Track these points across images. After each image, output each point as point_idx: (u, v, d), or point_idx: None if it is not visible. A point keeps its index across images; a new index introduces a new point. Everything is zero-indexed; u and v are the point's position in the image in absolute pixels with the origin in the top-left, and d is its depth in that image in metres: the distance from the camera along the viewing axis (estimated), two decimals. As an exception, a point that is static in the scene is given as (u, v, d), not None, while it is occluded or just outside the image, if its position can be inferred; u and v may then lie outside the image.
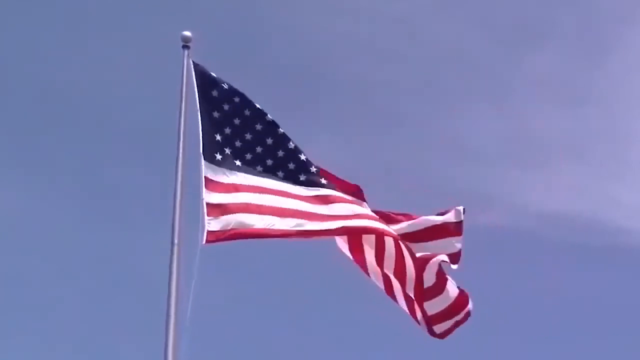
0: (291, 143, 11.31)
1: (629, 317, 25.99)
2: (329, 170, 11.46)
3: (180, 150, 10.54)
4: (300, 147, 11.38)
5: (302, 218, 10.74)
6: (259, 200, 10.69)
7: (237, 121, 11.21)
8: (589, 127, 27.99)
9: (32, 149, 26.21)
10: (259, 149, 11.18)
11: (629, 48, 27.48)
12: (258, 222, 10.50)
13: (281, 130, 11.36)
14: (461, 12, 28.01)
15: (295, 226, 10.68)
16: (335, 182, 11.36)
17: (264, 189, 10.83)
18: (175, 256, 9.80)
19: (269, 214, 10.58)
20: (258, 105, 11.38)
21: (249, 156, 11.07)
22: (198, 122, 10.86)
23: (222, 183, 10.65)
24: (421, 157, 27.10)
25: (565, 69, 28.48)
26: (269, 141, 11.28)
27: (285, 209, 10.74)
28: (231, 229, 10.32)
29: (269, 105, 11.63)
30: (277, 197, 10.81)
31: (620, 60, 27.84)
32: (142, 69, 24.85)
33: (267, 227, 10.52)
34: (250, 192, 10.73)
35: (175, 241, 9.88)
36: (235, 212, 10.42)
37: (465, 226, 11.70)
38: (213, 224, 10.25)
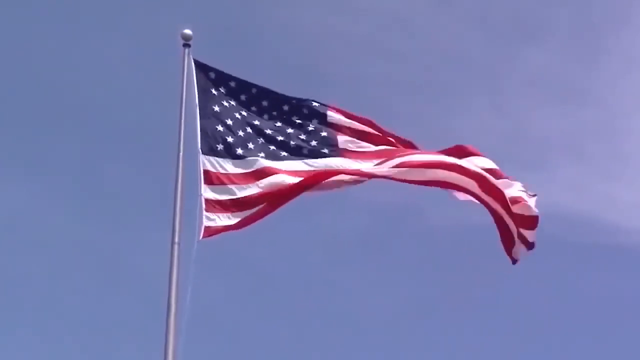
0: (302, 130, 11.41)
1: (627, 316, 26.04)
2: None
3: (181, 150, 10.55)
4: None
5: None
6: (257, 190, 10.61)
7: (238, 115, 11.26)
8: (586, 125, 28.01)
9: (31, 147, 26.22)
10: (260, 140, 11.21)
11: (626, 46, 27.55)
12: (253, 210, 10.48)
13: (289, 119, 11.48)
14: (458, 9, 28.07)
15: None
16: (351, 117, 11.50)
17: (261, 173, 10.74)
18: (175, 255, 9.83)
19: (265, 201, 10.53)
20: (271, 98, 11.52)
21: (251, 145, 11.13)
22: (196, 117, 10.91)
23: (222, 174, 10.67)
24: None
25: (563, 66, 28.51)
26: (270, 132, 11.34)
27: (283, 187, 10.63)
28: (230, 225, 10.34)
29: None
30: (277, 178, 10.72)
31: (617, 58, 27.90)
32: (142, 67, 24.87)
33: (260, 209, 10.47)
34: (251, 182, 10.67)
35: (176, 240, 9.92)
36: (234, 211, 10.44)
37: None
38: (211, 220, 10.28)
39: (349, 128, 11.47)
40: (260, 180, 10.67)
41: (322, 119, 11.49)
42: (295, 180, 10.66)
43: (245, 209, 10.49)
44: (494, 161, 11.36)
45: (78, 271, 24.41)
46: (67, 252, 24.79)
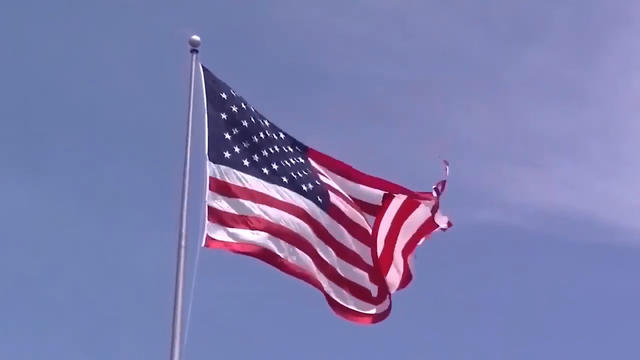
0: (291, 160, 11.52)
1: (627, 315, 26.11)
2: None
3: (188, 153, 10.53)
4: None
5: (296, 246, 10.92)
6: (262, 214, 10.75)
7: (245, 123, 11.28)
8: (585, 124, 28.11)
9: (35, 148, 26.30)
10: (265, 153, 11.26)
11: (624, 46, 27.62)
12: (257, 240, 10.61)
13: (279, 147, 11.56)
14: (458, 9, 28.16)
15: (288, 255, 10.86)
16: (331, 166, 11.76)
17: (267, 198, 10.90)
18: (182, 259, 9.80)
19: (267, 232, 10.69)
20: (265, 121, 11.57)
21: (256, 157, 11.16)
22: (205, 124, 10.90)
23: (228, 184, 10.66)
24: (415, 153, 27.17)
25: (562, 66, 28.60)
26: (272, 149, 11.42)
27: (282, 229, 10.84)
28: (232, 243, 10.41)
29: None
30: (278, 211, 10.90)
31: (617, 58, 27.98)
32: (146, 69, 24.95)
33: (265, 248, 10.67)
34: (255, 201, 10.77)
35: (182, 244, 9.89)
36: (237, 226, 10.50)
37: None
38: (213, 230, 10.27)
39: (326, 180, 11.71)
40: (262, 205, 10.80)
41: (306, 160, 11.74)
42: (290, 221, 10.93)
43: (245, 227, 10.57)
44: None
45: (79, 271, 24.49)
46: (67, 252, 24.87)
